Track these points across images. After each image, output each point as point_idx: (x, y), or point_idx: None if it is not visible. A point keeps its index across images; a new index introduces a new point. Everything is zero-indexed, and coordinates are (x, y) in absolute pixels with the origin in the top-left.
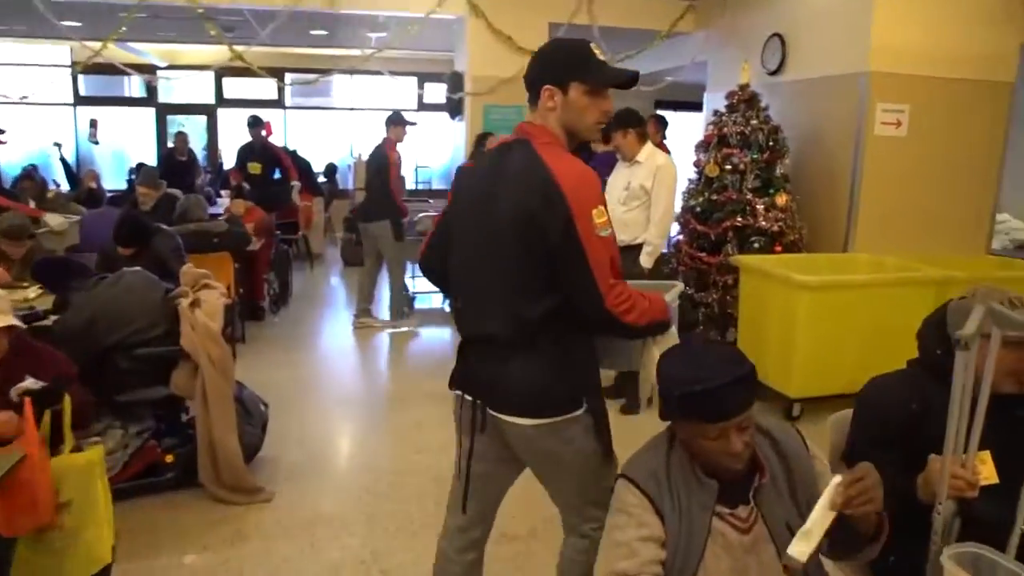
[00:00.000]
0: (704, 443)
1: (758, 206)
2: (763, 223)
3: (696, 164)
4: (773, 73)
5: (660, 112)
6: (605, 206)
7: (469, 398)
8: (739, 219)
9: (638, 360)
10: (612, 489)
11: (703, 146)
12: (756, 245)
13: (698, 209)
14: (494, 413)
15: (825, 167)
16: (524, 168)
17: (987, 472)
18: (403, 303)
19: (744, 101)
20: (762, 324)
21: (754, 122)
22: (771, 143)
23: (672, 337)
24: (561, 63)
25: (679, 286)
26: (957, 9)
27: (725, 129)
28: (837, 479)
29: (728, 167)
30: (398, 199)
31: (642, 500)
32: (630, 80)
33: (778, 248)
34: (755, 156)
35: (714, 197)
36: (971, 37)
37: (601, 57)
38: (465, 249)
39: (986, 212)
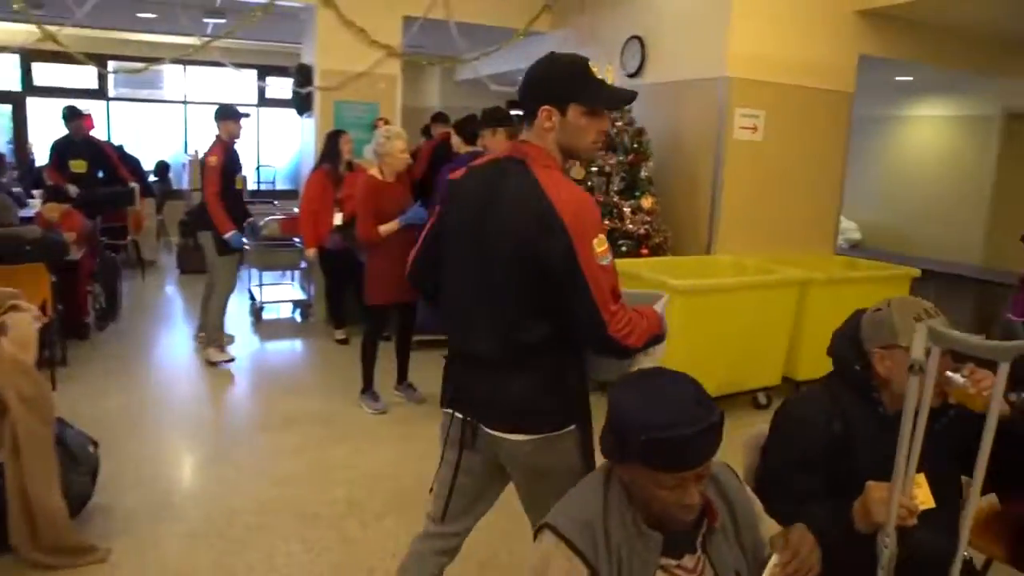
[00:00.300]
0: (656, 491)
1: (625, 209)
2: (630, 226)
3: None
4: (633, 75)
5: (515, 112)
6: (605, 234)
7: (460, 416)
8: (606, 222)
9: (625, 372)
10: None
11: None
12: (623, 248)
13: None
14: (489, 430)
15: (687, 170)
16: (523, 194)
17: (923, 496)
18: (217, 333)
19: None
20: None
21: (619, 124)
22: (636, 145)
23: (661, 350)
24: (560, 83)
25: (665, 296)
26: (804, 21)
27: None
28: (774, 559)
29: (594, 169)
30: (215, 211)
31: (576, 566)
32: (627, 101)
33: (645, 251)
34: (621, 158)
35: None
36: (817, 48)
37: (599, 76)
38: (457, 267)
39: (832, 214)
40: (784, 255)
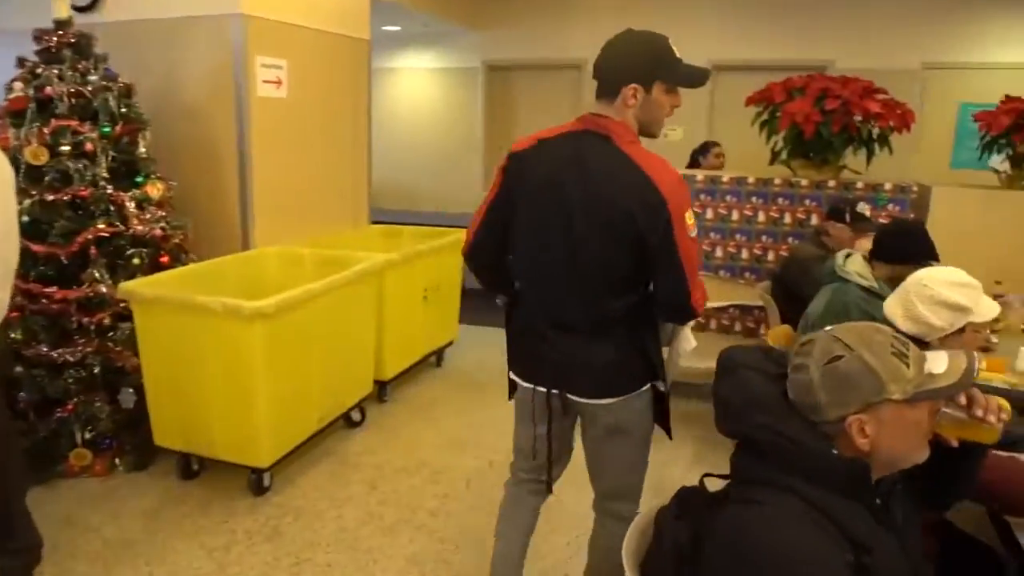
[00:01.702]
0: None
1: (127, 204)
2: (139, 228)
3: (3, 146)
4: (85, 8)
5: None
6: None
7: (543, 389)
8: (104, 225)
9: (669, 338)
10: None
11: (11, 116)
12: (137, 261)
13: (26, 219)
14: (572, 397)
15: (202, 141)
16: (616, 167)
17: None
18: None
19: (68, 46)
20: (188, 378)
21: (93, 78)
22: (123, 110)
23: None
24: (648, 61)
25: None
26: None
27: (48, 89)
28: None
29: (65, 148)
30: None
31: None
32: (707, 77)
33: (164, 259)
34: (105, 130)
35: (51, 197)
36: None
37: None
38: (540, 239)
39: (364, 179)
40: (327, 235)
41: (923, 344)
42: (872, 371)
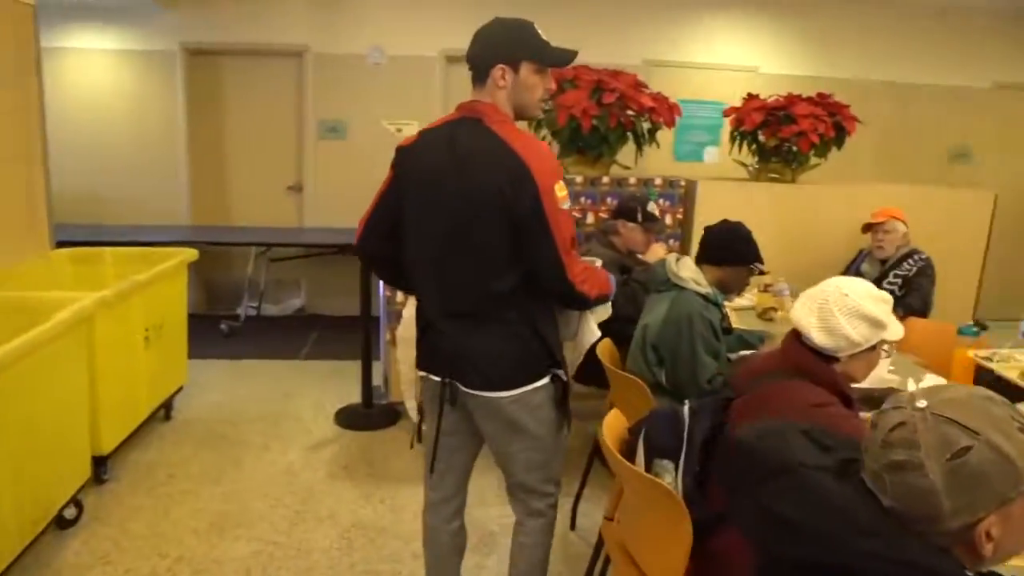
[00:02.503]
0: None
1: None
2: None
3: None
4: None
5: None
6: (563, 181)
7: (436, 378)
8: None
9: (575, 331)
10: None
11: None
12: None
13: None
14: (464, 389)
15: None
16: (485, 147)
17: None
18: None
19: None
20: None
21: None
22: None
23: (606, 310)
24: (512, 42)
25: (599, 260)
26: None
27: None
28: None
29: None
30: None
31: None
32: (573, 57)
33: None
34: None
35: None
36: None
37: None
38: (423, 229)
39: (40, 190)
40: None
41: (831, 359)
42: (1008, 460)
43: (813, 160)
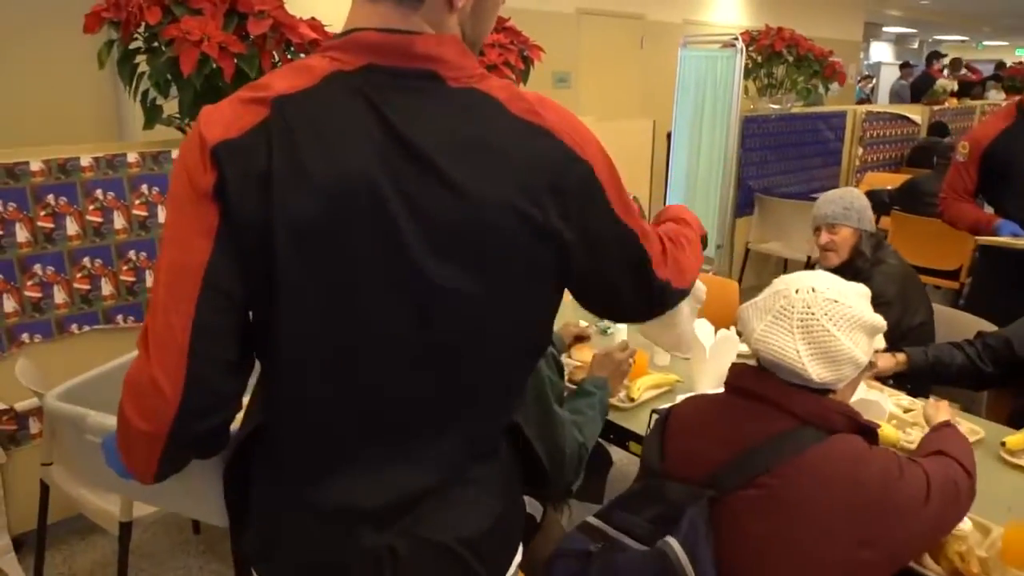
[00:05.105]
0: None
1: None
2: None
3: None
4: None
5: None
6: None
7: None
8: None
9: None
10: None
11: None
12: None
13: None
14: None
15: None
16: (481, 129)
17: None
18: None
19: None
20: None
21: None
22: None
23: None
24: None
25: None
26: None
27: None
28: None
29: None
30: None
31: None
32: None
33: None
34: None
35: None
36: None
37: None
38: (339, 316)
39: None
40: None
41: (827, 392)
42: None
43: None
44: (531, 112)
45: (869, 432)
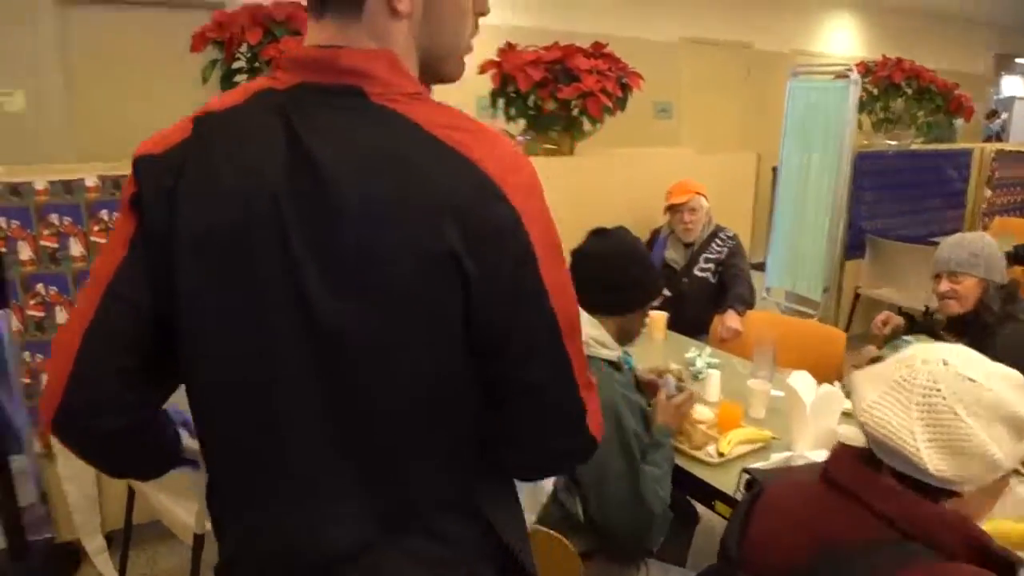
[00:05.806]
0: None
1: None
2: None
3: None
4: None
5: None
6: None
7: None
8: None
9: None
10: None
11: None
12: None
13: None
14: None
15: None
16: (392, 152)
17: None
18: None
19: None
20: None
21: None
22: None
23: None
24: None
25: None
26: None
27: None
28: None
29: None
30: None
31: None
32: None
33: None
34: None
35: None
36: None
37: None
38: (237, 345)
39: None
40: None
41: (947, 494)
42: None
43: (587, 127)
44: (456, 140)
45: (1005, 566)
